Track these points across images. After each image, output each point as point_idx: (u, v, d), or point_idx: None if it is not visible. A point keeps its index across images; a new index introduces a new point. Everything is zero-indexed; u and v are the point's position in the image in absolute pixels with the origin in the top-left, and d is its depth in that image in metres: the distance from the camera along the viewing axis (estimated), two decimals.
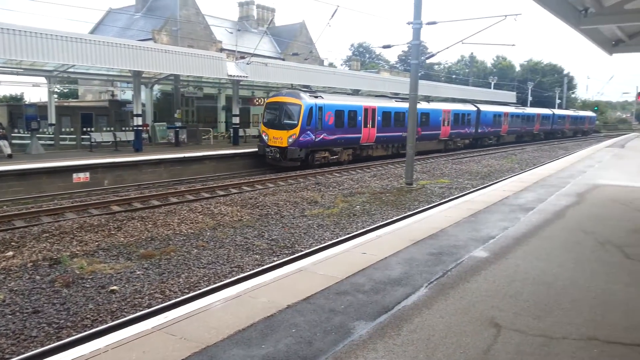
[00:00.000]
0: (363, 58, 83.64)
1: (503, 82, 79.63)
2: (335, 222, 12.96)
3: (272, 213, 14.05)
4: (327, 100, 24.75)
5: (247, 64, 26.04)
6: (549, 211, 10.56)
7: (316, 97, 24.24)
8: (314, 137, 23.46)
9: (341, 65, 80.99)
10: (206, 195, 16.88)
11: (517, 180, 16.51)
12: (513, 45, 37.57)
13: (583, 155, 27.59)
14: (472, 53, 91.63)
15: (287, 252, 10.32)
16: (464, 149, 38.37)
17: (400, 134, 28.76)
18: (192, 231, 11.85)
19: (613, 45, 13.03)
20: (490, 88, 63.54)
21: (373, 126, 27.75)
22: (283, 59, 41.58)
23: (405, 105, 26.85)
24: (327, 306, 5.15)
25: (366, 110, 27.10)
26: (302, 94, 23.81)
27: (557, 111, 62.21)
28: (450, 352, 4.18)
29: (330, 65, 69.35)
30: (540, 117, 53.68)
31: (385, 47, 23.28)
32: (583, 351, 4.24)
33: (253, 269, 8.95)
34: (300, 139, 22.80)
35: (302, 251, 10.11)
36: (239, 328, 4.57)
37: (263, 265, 9.17)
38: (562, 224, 9.40)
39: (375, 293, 5.56)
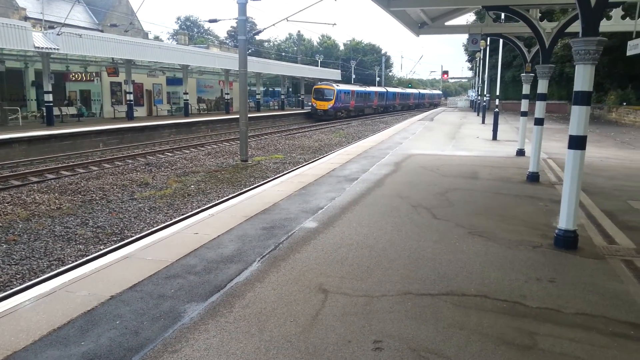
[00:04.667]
0: (191, 32, 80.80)
1: (329, 60, 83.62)
2: (169, 204, 12.45)
3: (98, 198, 12.99)
4: (341, 87, 50.01)
5: (58, 34, 23.33)
6: (371, 180, 11.45)
7: (338, 85, 49.35)
8: (338, 105, 47.74)
9: (168, 39, 77.23)
10: (16, 183, 14.94)
11: (343, 153, 17.53)
12: (334, 24, 40.41)
13: (400, 128, 30.37)
14: (299, 31, 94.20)
15: (115, 239, 9.65)
16: (379, 113, 63.31)
17: (361, 104, 56.38)
18: (0, 224, 10.43)
19: (419, 27, 14.46)
20: (317, 66, 66.14)
21: (353, 100, 53.16)
22: (101, 31, 38.17)
23: (362, 88, 57.98)
24: (155, 292, 4.92)
25: (352, 91, 52.82)
26: (334, 84, 48.78)
27: (422, 90, 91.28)
28: (282, 322, 4.31)
29: (156, 38, 65.73)
30: (413, 94, 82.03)
31: (211, 21, 22.60)
32: (399, 305, 4.69)
33: (76, 261, 8.20)
34: (335, 105, 47.29)
35: (132, 237, 9.53)
36: (53, 327, 4.14)
37: (88, 256, 8.45)
38: (382, 191, 10.27)
39: (208, 273, 5.48)
